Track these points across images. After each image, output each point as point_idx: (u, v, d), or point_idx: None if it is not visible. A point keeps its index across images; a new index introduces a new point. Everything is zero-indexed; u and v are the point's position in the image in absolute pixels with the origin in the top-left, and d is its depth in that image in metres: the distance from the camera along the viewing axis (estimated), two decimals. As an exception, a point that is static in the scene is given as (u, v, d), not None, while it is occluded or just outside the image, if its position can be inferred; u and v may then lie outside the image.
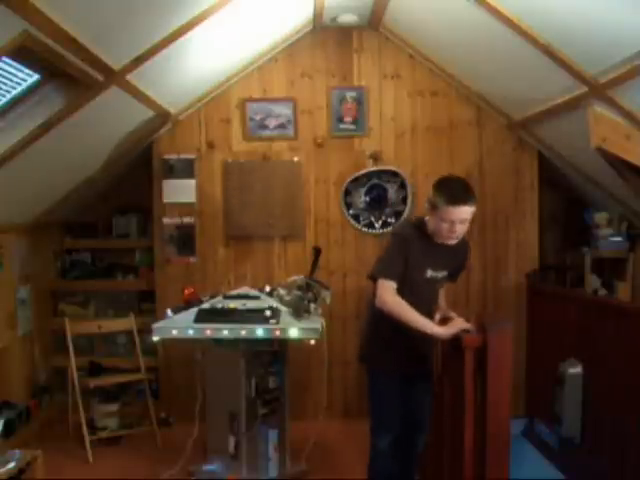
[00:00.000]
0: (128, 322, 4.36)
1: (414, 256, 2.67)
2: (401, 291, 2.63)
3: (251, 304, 3.32)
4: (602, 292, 4.25)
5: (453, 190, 2.62)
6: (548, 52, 3.08)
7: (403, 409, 3.00)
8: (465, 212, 2.59)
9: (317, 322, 3.20)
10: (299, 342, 3.32)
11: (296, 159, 4.50)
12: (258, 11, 3.53)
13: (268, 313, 3.21)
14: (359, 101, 4.48)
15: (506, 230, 4.55)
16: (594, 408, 3.65)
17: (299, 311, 3.23)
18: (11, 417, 3.79)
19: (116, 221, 4.82)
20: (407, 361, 2.83)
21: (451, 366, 2.69)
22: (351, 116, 4.49)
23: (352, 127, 4.50)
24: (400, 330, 2.65)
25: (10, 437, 3.71)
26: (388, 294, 2.60)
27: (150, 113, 3.92)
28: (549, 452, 3.96)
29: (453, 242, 2.68)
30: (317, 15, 4.15)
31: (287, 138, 4.49)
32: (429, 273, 2.74)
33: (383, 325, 2.73)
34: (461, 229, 2.64)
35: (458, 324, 2.53)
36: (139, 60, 3.09)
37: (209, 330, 3.18)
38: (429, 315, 2.66)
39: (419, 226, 2.76)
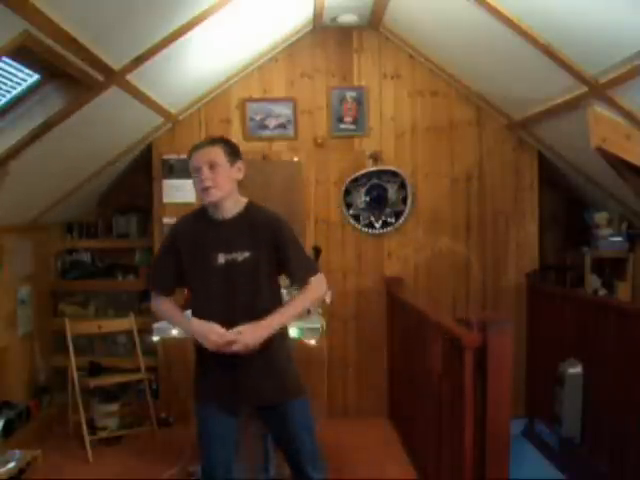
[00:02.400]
0: (128, 322, 4.36)
1: (189, 242, 2.36)
2: (198, 289, 2.37)
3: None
4: (602, 292, 4.25)
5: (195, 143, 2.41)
6: (548, 52, 3.08)
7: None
8: (208, 153, 2.28)
9: (317, 322, 3.19)
10: (299, 342, 3.32)
11: (296, 159, 4.49)
12: (258, 11, 3.53)
13: (268, 313, 3.20)
14: (359, 101, 4.47)
15: (506, 230, 4.55)
16: (594, 408, 3.65)
17: (298, 311, 3.20)
18: (11, 417, 3.78)
19: (116, 221, 4.81)
20: (241, 385, 2.35)
21: (451, 366, 2.69)
22: (351, 116, 4.49)
23: (352, 127, 4.49)
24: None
25: (10, 437, 3.70)
26: (152, 304, 2.45)
27: (150, 113, 3.92)
28: (549, 452, 3.97)
29: (214, 197, 2.27)
30: (317, 15, 4.15)
31: (287, 138, 4.48)
32: (222, 258, 2.31)
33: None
34: (211, 176, 2.26)
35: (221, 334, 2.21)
36: (139, 60, 3.09)
37: (209, 330, 3.17)
38: (248, 308, 2.30)
39: (201, 208, 2.41)
